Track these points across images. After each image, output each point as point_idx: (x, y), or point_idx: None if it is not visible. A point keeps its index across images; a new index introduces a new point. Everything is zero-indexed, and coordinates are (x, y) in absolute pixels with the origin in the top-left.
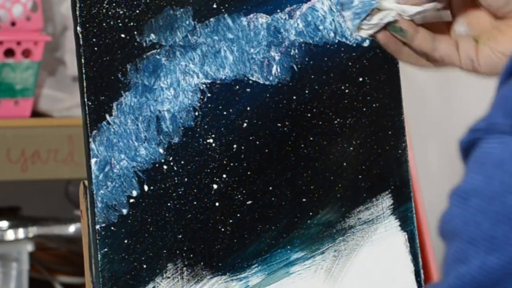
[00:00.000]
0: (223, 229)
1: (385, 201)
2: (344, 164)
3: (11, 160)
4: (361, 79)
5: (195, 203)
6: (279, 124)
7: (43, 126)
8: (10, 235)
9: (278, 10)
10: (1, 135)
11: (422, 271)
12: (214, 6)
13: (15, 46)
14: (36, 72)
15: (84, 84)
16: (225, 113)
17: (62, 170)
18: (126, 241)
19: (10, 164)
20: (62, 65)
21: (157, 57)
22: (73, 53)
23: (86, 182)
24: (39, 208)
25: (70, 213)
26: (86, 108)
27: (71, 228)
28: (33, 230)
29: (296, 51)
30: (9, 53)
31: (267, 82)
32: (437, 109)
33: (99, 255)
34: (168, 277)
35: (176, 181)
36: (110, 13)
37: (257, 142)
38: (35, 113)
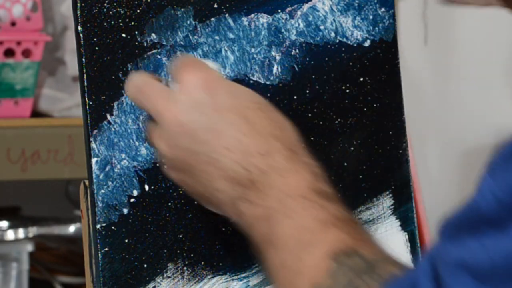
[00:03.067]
0: (223, 229)
1: (386, 201)
2: (345, 164)
3: (11, 160)
4: (362, 79)
5: (195, 202)
6: None
7: (43, 126)
8: (10, 235)
9: (279, 10)
10: (1, 135)
11: None
12: (215, 6)
13: (15, 46)
14: (36, 72)
15: (85, 83)
16: None
17: (62, 170)
18: (126, 241)
19: (10, 164)
20: (62, 65)
21: (158, 56)
22: (73, 53)
23: (87, 182)
24: (39, 208)
25: (70, 213)
26: (87, 107)
27: (71, 228)
28: (33, 230)
29: (297, 51)
30: (9, 53)
31: (268, 82)
32: (435, 108)
33: (99, 255)
34: (169, 277)
35: None
36: (111, 12)
37: None
38: (35, 113)
